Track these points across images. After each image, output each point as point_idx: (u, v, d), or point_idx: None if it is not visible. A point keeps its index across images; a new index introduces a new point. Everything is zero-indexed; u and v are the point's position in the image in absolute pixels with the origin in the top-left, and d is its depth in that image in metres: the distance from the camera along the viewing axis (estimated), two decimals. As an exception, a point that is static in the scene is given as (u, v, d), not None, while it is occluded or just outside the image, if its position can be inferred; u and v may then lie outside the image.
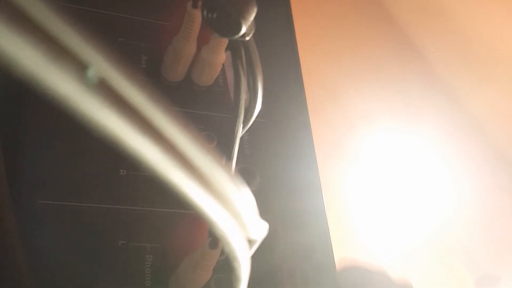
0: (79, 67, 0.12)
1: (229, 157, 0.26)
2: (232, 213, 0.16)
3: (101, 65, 0.12)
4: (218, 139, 0.31)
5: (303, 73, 0.37)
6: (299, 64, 0.37)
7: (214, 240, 0.25)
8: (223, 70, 0.34)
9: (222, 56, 0.31)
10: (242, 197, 0.16)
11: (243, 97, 0.27)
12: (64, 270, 0.26)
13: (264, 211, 0.30)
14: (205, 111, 0.33)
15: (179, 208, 0.29)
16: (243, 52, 0.27)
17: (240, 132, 0.27)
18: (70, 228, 0.27)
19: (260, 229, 0.19)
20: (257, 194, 0.18)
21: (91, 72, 0.12)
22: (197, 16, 0.29)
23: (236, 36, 0.25)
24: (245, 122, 0.28)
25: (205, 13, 0.24)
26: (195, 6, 0.29)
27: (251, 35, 0.26)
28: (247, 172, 0.31)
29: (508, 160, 0.82)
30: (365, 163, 0.75)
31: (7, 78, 0.27)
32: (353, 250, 0.62)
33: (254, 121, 0.28)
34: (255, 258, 0.20)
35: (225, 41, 0.30)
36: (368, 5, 0.82)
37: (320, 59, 0.73)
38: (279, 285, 0.30)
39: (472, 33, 0.76)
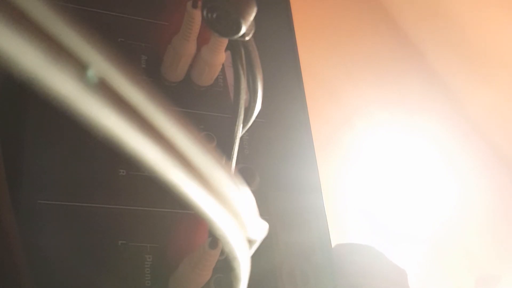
0: (79, 67, 0.12)
1: (229, 157, 0.26)
2: (232, 213, 0.16)
3: (101, 65, 0.12)
4: (218, 139, 0.31)
5: (303, 73, 0.37)
6: (299, 64, 0.37)
7: (214, 240, 0.25)
8: (223, 70, 0.34)
9: (222, 56, 0.31)
10: (242, 197, 0.16)
11: (243, 97, 0.27)
12: (64, 270, 0.26)
13: (264, 211, 0.30)
14: (205, 111, 0.33)
15: (179, 208, 0.29)
16: (243, 52, 0.27)
17: (240, 132, 0.27)
18: (70, 228, 0.27)
19: (260, 229, 0.19)
20: (257, 194, 0.18)
21: (91, 72, 0.12)
22: (197, 16, 0.29)
23: (236, 36, 0.25)
24: (245, 122, 0.28)
25: (205, 13, 0.24)
26: (195, 6, 0.29)
27: (251, 35, 0.26)
28: (247, 172, 0.31)
29: (508, 160, 0.82)
30: (365, 163, 0.75)
31: (7, 78, 0.27)
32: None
33: (254, 121, 0.28)
34: (255, 258, 0.20)
35: (225, 41, 0.30)
36: (368, 4, 0.82)
37: (320, 59, 0.73)
38: (279, 285, 0.30)
39: (472, 32, 0.76)
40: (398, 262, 0.39)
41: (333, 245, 0.33)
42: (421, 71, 0.82)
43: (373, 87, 0.77)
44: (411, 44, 0.83)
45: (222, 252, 0.25)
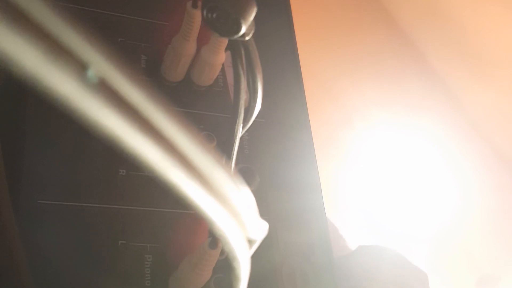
0: (79, 67, 0.12)
1: (229, 157, 0.26)
2: (232, 213, 0.16)
3: (101, 65, 0.12)
4: (218, 139, 0.31)
5: (303, 73, 0.37)
6: (299, 64, 0.37)
7: (213, 240, 0.25)
8: (223, 70, 0.34)
9: (222, 56, 0.31)
10: (242, 197, 0.16)
11: (243, 97, 0.27)
12: (64, 270, 0.26)
13: (264, 211, 0.30)
14: (205, 111, 0.33)
15: (179, 208, 0.29)
16: (243, 52, 0.27)
17: (240, 132, 0.27)
18: (70, 228, 0.27)
19: (260, 229, 0.19)
20: (257, 194, 0.18)
21: (91, 72, 0.12)
22: (197, 16, 0.29)
23: (236, 36, 0.25)
24: (245, 122, 0.27)
25: (205, 13, 0.24)
26: (195, 6, 0.29)
27: (251, 35, 0.26)
28: (247, 172, 0.31)
29: (508, 160, 0.82)
30: (365, 163, 0.75)
31: (7, 78, 0.27)
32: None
33: (254, 121, 0.28)
34: (255, 258, 0.20)
35: (225, 41, 0.30)
36: (368, 4, 0.82)
37: (320, 59, 0.73)
38: (279, 285, 0.30)
39: (472, 32, 0.76)
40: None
41: (333, 245, 0.33)
42: (421, 71, 0.82)
43: (372, 87, 0.77)
44: (411, 44, 0.83)
45: (222, 252, 0.25)
